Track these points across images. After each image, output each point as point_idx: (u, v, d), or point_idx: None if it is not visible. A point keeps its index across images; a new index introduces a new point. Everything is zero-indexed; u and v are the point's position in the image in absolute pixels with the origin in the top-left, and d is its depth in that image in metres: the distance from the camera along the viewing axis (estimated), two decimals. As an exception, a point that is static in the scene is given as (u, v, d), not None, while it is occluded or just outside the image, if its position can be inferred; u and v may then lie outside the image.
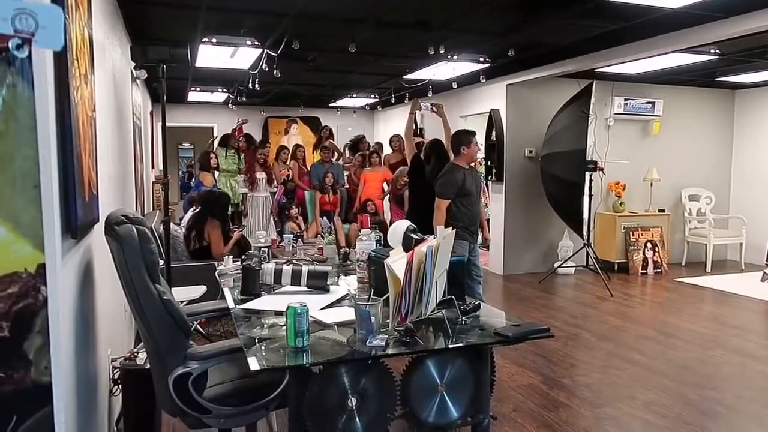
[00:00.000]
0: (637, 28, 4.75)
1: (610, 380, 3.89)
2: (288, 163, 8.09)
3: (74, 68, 1.86)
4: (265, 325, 2.16)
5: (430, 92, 7.68)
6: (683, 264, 7.91)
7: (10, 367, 0.90)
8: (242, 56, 5.59)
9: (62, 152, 1.68)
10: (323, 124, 9.86)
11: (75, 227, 1.78)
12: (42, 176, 1.01)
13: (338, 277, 2.97)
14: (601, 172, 7.09)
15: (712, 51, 5.52)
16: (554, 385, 3.80)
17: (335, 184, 7.72)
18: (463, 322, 2.16)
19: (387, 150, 8.50)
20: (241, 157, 7.77)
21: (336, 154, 8.41)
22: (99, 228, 2.23)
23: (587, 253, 6.96)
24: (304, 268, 2.66)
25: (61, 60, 1.68)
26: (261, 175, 7.49)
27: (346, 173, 8.35)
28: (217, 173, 7.49)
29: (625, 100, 7.62)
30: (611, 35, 5.03)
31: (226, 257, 3.32)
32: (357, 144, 8.73)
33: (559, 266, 7.12)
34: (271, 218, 7.47)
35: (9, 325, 0.90)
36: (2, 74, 0.92)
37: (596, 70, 6.48)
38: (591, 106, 6.52)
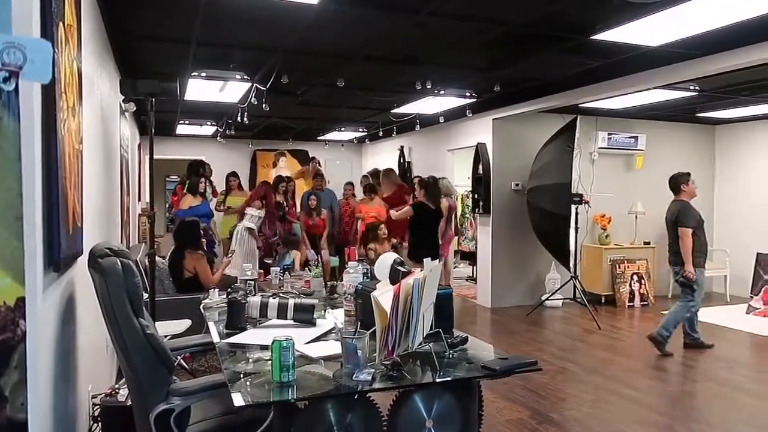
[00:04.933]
0: (619, 65, 4.87)
1: (600, 414, 3.86)
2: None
3: (62, 101, 1.86)
4: (251, 360, 2.12)
5: (418, 126, 7.76)
6: (669, 296, 7.93)
7: (-16, 404, 0.88)
8: (231, 90, 5.63)
9: (47, 184, 1.67)
10: (311, 156, 9.89)
11: (58, 260, 1.76)
12: (25, 208, 1.00)
13: (325, 311, 2.95)
14: (586, 205, 7.16)
15: (692, 87, 5.66)
16: (543, 419, 3.75)
17: (318, 206, 7.64)
18: (451, 356, 2.14)
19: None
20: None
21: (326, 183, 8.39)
22: (83, 261, 2.20)
23: (574, 286, 6.97)
24: (291, 301, 2.63)
25: (48, 93, 1.68)
26: (253, 212, 7.06)
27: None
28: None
29: (609, 134, 7.75)
30: (594, 72, 5.15)
31: (212, 290, 3.28)
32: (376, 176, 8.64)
33: (547, 299, 7.12)
34: (256, 252, 7.22)
35: (-15, 361, 0.88)
36: (-12, 107, 0.92)
37: (580, 105, 6.60)
38: (575, 140, 6.62)
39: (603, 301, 7.45)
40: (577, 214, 6.99)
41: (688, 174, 5.44)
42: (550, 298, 7.11)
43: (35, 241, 0.98)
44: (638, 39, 4.08)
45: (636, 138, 7.92)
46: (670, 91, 5.79)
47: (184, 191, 7.31)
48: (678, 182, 5.40)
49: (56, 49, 1.76)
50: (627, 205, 7.81)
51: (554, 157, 6.79)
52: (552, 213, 6.69)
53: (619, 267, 7.48)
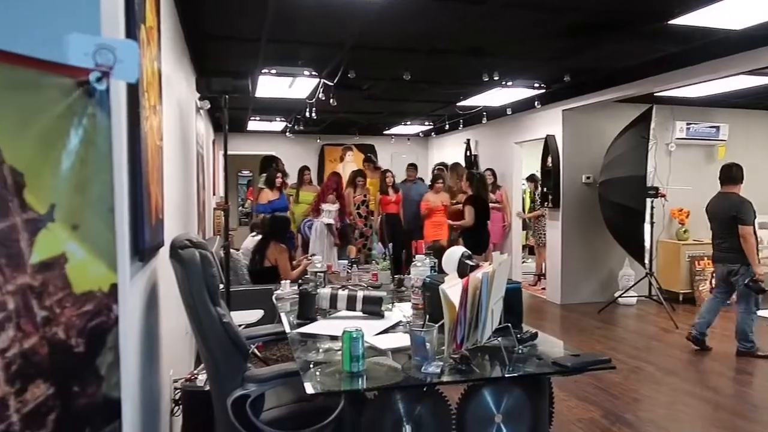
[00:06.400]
0: (698, 51, 4.63)
1: (677, 417, 3.70)
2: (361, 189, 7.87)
3: (144, 99, 1.96)
4: (321, 350, 2.17)
5: (485, 118, 7.66)
6: (754, 295, 7.47)
7: (84, 381, 0.95)
8: (300, 86, 5.75)
9: (132, 179, 1.77)
10: (383, 169, 9.46)
11: (143, 250, 1.86)
12: (115, 201, 1.06)
13: (392, 304, 2.97)
14: (662, 198, 6.85)
15: (781, 72, 5.30)
16: (616, 420, 3.64)
17: (394, 183, 7.77)
18: (520, 351, 2.11)
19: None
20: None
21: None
22: (164, 252, 2.31)
23: (650, 283, 6.69)
24: (360, 293, 2.67)
25: (133, 92, 1.78)
26: (329, 207, 7.16)
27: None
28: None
29: (688, 124, 7.38)
30: (672, 58, 4.91)
31: (284, 282, 3.37)
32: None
33: (620, 296, 6.87)
34: (334, 247, 7.28)
35: (84, 341, 0.95)
36: (84, 105, 0.99)
37: (656, 93, 6.31)
38: (651, 130, 6.34)
39: (681, 299, 7.11)
40: (652, 208, 6.70)
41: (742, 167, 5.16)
42: (624, 295, 6.85)
43: (123, 233, 1.05)
44: (720, 22, 3.86)
45: (717, 128, 7.49)
46: (755, 77, 5.44)
47: (260, 186, 7.53)
48: (738, 174, 5.06)
49: (140, 50, 1.86)
50: (707, 199, 7.38)
51: (628, 149, 6.54)
52: (626, 207, 6.45)
53: (699, 264, 7.11)
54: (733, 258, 4.92)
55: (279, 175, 7.34)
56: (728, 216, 4.93)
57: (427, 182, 8.36)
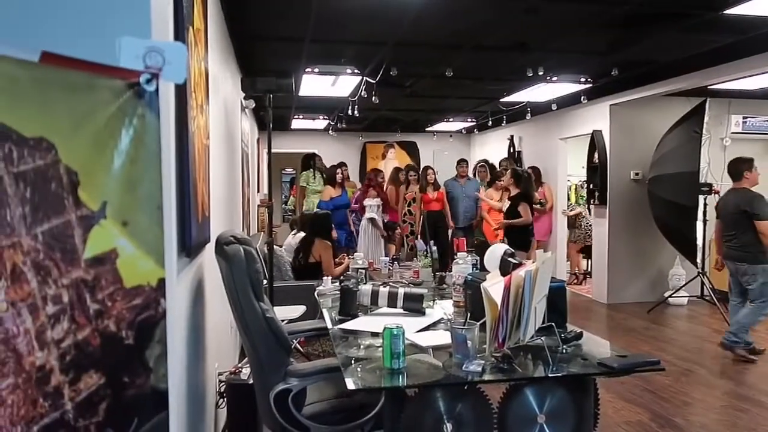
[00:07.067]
0: (755, 41, 4.43)
1: (730, 422, 3.56)
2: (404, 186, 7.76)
3: (192, 99, 2.02)
4: (362, 346, 2.19)
5: (529, 114, 7.54)
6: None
7: (133, 373, 0.98)
8: (342, 84, 5.79)
9: (180, 177, 1.82)
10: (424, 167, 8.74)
11: (189, 246, 1.91)
12: (163, 199, 1.09)
13: (433, 301, 2.96)
14: (716, 195, 6.60)
15: None
16: (665, 423, 3.53)
17: (436, 181, 7.66)
18: (564, 351, 2.07)
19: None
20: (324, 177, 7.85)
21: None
22: (210, 248, 2.37)
23: (702, 283, 6.46)
24: (401, 290, 2.67)
25: (181, 92, 1.83)
26: (371, 202, 7.20)
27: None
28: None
29: (744, 118, 7.09)
30: (726, 49, 4.71)
31: (325, 278, 3.41)
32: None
33: (670, 296, 6.66)
34: (381, 242, 7.24)
35: (133, 334, 0.99)
36: (134, 106, 1.02)
37: (710, 87, 6.08)
38: (704, 125, 6.12)
39: (735, 299, 6.84)
40: (705, 205, 6.46)
41: (752, 159, 4.96)
42: (674, 295, 6.64)
43: (171, 229, 1.08)
44: (780, 11, 3.69)
45: (776, 121, 7.18)
46: (818, 68, 5.18)
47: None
48: (741, 168, 4.87)
49: (187, 52, 1.91)
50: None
51: (679, 144, 6.33)
52: (677, 204, 6.24)
53: (755, 263, 6.82)
54: (743, 256, 4.77)
55: (339, 171, 7.40)
56: (737, 211, 4.77)
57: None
